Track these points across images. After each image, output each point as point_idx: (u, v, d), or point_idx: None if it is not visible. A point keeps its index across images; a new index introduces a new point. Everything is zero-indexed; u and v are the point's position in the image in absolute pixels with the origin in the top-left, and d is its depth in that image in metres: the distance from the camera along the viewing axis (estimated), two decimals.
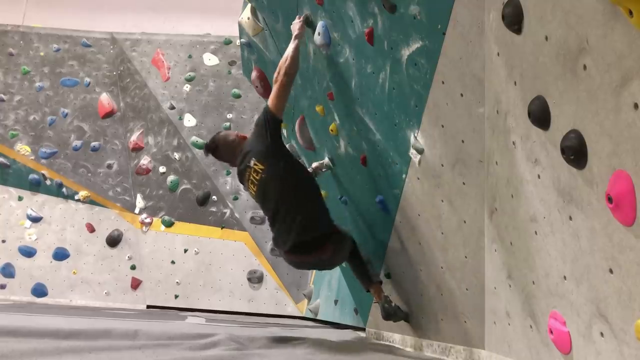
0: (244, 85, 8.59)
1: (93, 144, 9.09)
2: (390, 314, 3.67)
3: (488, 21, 2.13)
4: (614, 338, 1.47)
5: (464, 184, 2.60)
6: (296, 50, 3.62)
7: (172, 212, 8.72)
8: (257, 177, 3.53)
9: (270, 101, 3.56)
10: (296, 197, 3.51)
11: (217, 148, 3.82)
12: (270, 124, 3.52)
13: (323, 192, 4.74)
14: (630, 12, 1.25)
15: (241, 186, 8.47)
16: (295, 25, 3.76)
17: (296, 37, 3.69)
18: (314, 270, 7.60)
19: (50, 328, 3.32)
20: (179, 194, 8.76)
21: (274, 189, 3.52)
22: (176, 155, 8.86)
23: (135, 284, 8.62)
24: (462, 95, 2.44)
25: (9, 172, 9.11)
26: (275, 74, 3.61)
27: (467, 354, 2.96)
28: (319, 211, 3.60)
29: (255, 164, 3.53)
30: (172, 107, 8.99)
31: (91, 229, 8.86)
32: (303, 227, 3.48)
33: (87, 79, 9.27)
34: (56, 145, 9.12)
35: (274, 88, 3.58)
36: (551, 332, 1.83)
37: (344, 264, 4.25)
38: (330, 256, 3.63)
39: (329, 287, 6.36)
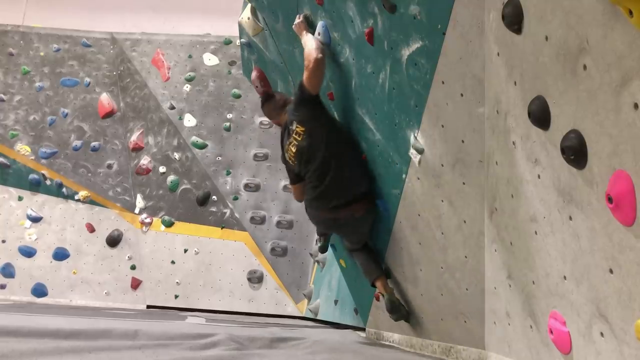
0: (244, 85, 8.59)
1: (93, 144, 9.09)
2: (395, 307, 3.68)
3: (488, 21, 2.13)
4: (614, 338, 1.47)
5: (464, 184, 2.60)
6: (311, 39, 3.67)
7: (172, 212, 8.72)
8: (299, 139, 3.73)
9: (306, 79, 3.65)
10: (343, 151, 3.69)
11: (273, 97, 4.23)
12: (306, 97, 3.68)
13: None
14: (630, 12, 1.25)
15: (241, 186, 8.60)
16: (296, 27, 3.81)
17: (303, 34, 3.77)
18: (314, 270, 7.61)
19: (50, 328, 3.32)
20: (179, 194, 8.76)
21: (318, 148, 3.68)
22: (176, 155, 8.86)
23: (135, 284, 8.62)
24: (462, 95, 2.44)
25: (9, 172, 9.11)
26: (306, 62, 3.64)
27: (467, 354, 2.96)
28: (361, 169, 3.73)
29: (297, 126, 3.75)
30: (172, 107, 8.99)
31: (91, 229, 8.86)
32: (350, 182, 3.67)
33: (87, 79, 9.27)
34: (56, 145, 9.12)
35: (307, 70, 3.63)
36: (551, 332, 1.83)
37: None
38: (363, 215, 3.72)
39: (329, 287, 6.36)
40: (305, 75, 3.64)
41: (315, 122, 3.70)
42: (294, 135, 3.76)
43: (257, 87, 5.41)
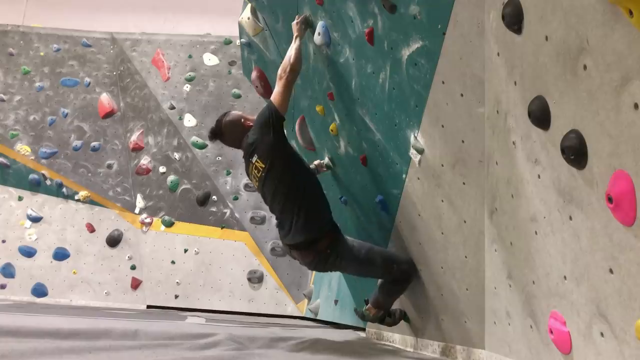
0: (244, 85, 8.59)
1: (93, 144, 9.09)
2: (400, 319, 3.73)
3: (488, 21, 2.13)
4: (614, 338, 1.47)
5: (464, 184, 2.60)
6: (299, 48, 3.63)
7: (172, 212, 8.72)
8: (259, 175, 3.52)
9: (274, 97, 3.53)
10: (296, 197, 3.47)
11: (223, 135, 3.77)
12: (274, 120, 3.46)
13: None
14: (631, 12, 1.25)
15: (241, 186, 8.61)
16: (295, 26, 3.78)
17: (297, 37, 3.70)
18: (314, 271, 7.60)
19: (50, 328, 3.32)
20: (179, 194, 8.76)
21: (275, 188, 3.50)
22: (176, 155, 8.86)
23: (135, 284, 8.62)
24: (462, 95, 2.44)
25: (9, 172, 9.11)
26: (280, 72, 3.59)
27: (467, 354, 2.96)
28: (320, 208, 3.55)
29: (257, 161, 3.51)
30: (172, 107, 8.99)
31: (91, 229, 8.86)
32: (302, 226, 3.45)
33: (87, 79, 9.27)
34: (56, 145, 9.12)
35: (278, 85, 3.56)
36: (551, 332, 1.83)
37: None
38: (328, 252, 3.49)
39: (329, 287, 6.36)
40: (276, 89, 3.50)
41: (275, 161, 3.45)
42: (255, 165, 3.53)
43: (257, 87, 5.40)
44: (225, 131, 3.74)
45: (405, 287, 3.52)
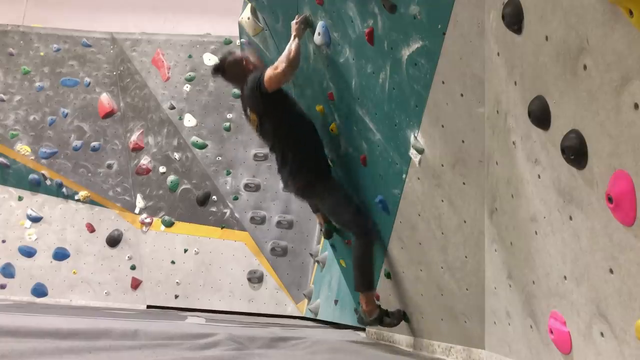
0: None
1: (93, 144, 9.09)
2: (387, 321, 3.76)
3: (488, 21, 2.13)
4: (614, 338, 1.47)
5: (464, 184, 2.60)
6: (298, 46, 3.69)
7: (172, 212, 8.72)
8: (255, 126, 3.99)
9: (267, 78, 3.67)
10: (291, 147, 3.87)
11: (225, 71, 4.10)
12: (258, 91, 3.74)
13: None
14: (631, 12, 1.25)
15: (241, 186, 8.60)
16: (294, 25, 3.78)
17: (295, 36, 3.71)
18: (314, 270, 7.61)
19: (50, 328, 3.32)
20: (179, 194, 8.76)
21: (271, 139, 3.98)
22: (176, 155, 8.86)
23: (135, 284, 8.62)
24: (462, 95, 2.44)
25: (9, 172, 9.11)
26: (277, 63, 3.68)
27: (467, 354, 2.96)
28: (313, 158, 3.94)
29: (250, 114, 3.95)
30: (172, 107, 8.99)
31: (91, 229, 8.86)
32: (298, 171, 3.88)
33: (87, 79, 9.27)
34: (56, 145, 9.12)
35: (273, 71, 3.67)
36: (551, 332, 1.83)
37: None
38: (318, 181, 3.90)
39: (329, 287, 6.37)
40: (269, 73, 3.67)
41: (265, 117, 3.85)
42: (249, 117, 3.98)
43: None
44: (227, 68, 4.08)
45: (369, 251, 3.78)
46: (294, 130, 3.90)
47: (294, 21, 3.80)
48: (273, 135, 3.95)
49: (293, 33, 3.74)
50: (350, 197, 3.96)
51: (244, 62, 4.04)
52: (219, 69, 4.11)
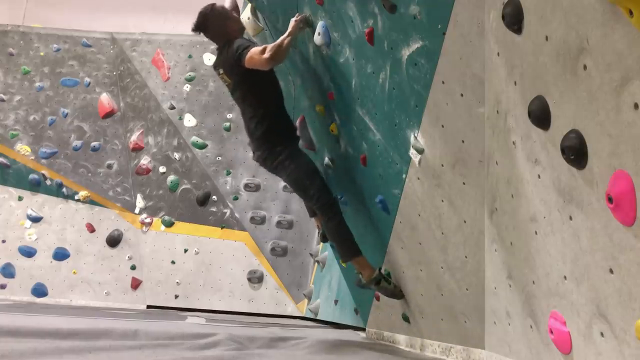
0: None
1: (93, 144, 9.09)
2: (389, 290, 3.72)
3: (488, 21, 2.13)
4: (614, 338, 1.47)
5: (464, 184, 2.60)
6: (289, 43, 3.68)
7: (172, 212, 8.72)
8: (227, 87, 4.10)
9: (249, 57, 3.69)
10: (261, 113, 3.93)
11: (207, 28, 4.05)
12: (238, 66, 3.78)
13: None
14: (631, 12, 1.25)
15: (241, 186, 8.60)
16: (292, 22, 3.75)
17: (290, 33, 3.70)
18: (314, 270, 7.61)
19: (50, 328, 3.32)
20: (179, 194, 8.76)
21: (241, 102, 4.05)
22: (176, 155, 8.86)
23: (135, 284, 8.62)
24: (462, 95, 2.44)
25: (9, 172, 9.11)
26: (264, 48, 3.67)
27: (467, 354, 2.96)
28: (281, 124, 4.00)
29: (222, 75, 4.01)
30: (172, 107, 8.99)
31: (91, 229, 8.86)
32: (266, 136, 3.93)
33: (87, 79, 9.27)
34: (56, 145, 9.12)
35: (258, 55, 3.66)
36: (551, 332, 1.83)
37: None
38: (281, 150, 3.92)
39: (329, 287, 6.36)
40: (254, 54, 3.68)
41: (238, 84, 3.93)
42: (222, 77, 4.05)
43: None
44: (211, 24, 4.01)
45: (342, 223, 3.89)
46: (263, 97, 3.96)
47: (294, 18, 3.78)
48: (242, 102, 4.02)
49: (289, 29, 3.72)
50: (316, 169, 4.01)
51: (228, 18, 4.05)
52: (201, 26, 4.02)
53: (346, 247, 3.90)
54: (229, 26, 4.00)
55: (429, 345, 3.47)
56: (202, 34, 4.10)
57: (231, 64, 3.86)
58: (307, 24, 3.79)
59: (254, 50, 3.70)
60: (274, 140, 3.93)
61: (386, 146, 3.29)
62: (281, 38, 3.69)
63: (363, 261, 3.83)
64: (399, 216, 3.40)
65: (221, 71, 4.01)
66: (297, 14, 3.84)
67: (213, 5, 4.10)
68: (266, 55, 3.62)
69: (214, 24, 4.00)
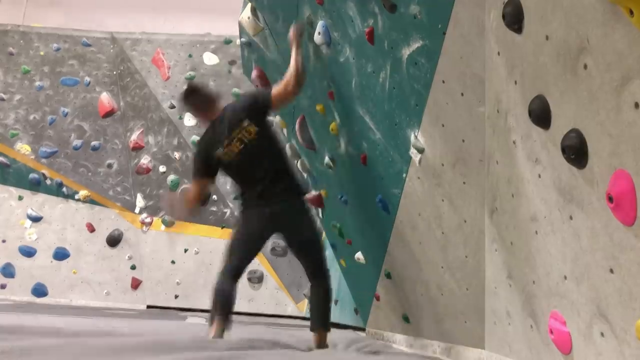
0: (244, 84, 8.57)
1: (93, 143, 9.09)
2: None
3: (488, 21, 2.13)
4: (615, 338, 1.47)
5: (464, 183, 2.60)
6: (302, 61, 3.59)
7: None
8: (248, 138, 3.59)
9: (276, 96, 3.57)
10: (281, 163, 3.71)
11: (196, 93, 3.85)
12: (264, 110, 3.62)
13: (323, 192, 4.75)
14: (631, 12, 1.25)
15: None
16: (292, 33, 3.66)
17: (295, 47, 3.60)
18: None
19: (51, 327, 3.32)
20: (179, 193, 8.76)
21: (265, 152, 3.63)
22: (176, 155, 8.86)
23: (135, 284, 8.62)
24: (462, 94, 2.43)
25: (9, 172, 9.11)
26: (287, 80, 3.55)
27: (467, 354, 2.96)
28: (296, 179, 3.81)
29: (249, 125, 3.58)
30: (173, 107, 8.99)
31: (91, 228, 8.86)
32: (290, 187, 3.64)
33: (87, 78, 9.27)
34: (56, 145, 9.12)
35: (284, 90, 3.55)
36: (551, 332, 1.82)
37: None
38: (300, 207, 3.69)
39: None
40: (278, 89, 3.56)
41: (260, 134, 3.61)
42: (241, 131, 3.61)
43: (257, 86, 5.39)
44: (198, 92, 3.88)
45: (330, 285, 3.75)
46: (281, 146, 3.88)
47: (291, 33, 3.67)
48: (260, 156, 3.63)
49: (293, 46, 3.61)
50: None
51: (214, 95, 3.91)
52: (188, 92, 3.88)
53: (329, 317, 3.74)
54: (216, 97, 3.90)
55: (429, 345, 3.47)
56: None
57: (260, 110, 3.65)
58: (308, 25, 3.77)
59: (274, 87, 3.64)
60: (300, 191, 3.73)
61: (386, 145, 3.29)
62: (292, 60, 3.58)
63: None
64: (399, 216, 3.40)
65: (245, 123, 3.61)
66: (292, 26, 3.74)
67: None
68: (291, 83, 3.52)
69: (202, 98, 3.87)
